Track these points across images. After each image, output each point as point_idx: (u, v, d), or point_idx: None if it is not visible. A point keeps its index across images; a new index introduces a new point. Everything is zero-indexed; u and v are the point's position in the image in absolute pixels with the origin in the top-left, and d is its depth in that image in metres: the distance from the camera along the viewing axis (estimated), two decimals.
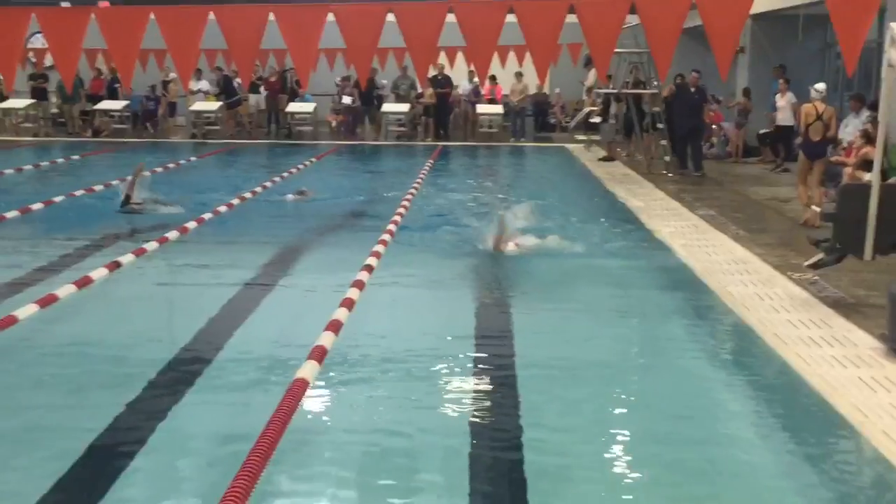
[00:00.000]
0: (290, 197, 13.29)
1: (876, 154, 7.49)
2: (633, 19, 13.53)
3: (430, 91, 23.73)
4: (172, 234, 10.14)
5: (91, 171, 17.16)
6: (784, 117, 17.16)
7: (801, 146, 12.33)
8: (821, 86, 11.91)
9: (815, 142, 11.68)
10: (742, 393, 5.90)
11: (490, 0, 11.04)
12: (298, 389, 5.35)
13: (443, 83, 23.79)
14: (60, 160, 19.00)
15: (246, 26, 11.49)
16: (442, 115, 24.22)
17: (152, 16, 11.29)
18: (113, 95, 25.07)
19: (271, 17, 11.17)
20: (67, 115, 25.23)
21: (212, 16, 11.25)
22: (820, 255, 7.75)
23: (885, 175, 10.93)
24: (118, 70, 12.08)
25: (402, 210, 12.00)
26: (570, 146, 22.13)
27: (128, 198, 11.72)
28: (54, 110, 25.76)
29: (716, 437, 5.22)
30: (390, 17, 11.12)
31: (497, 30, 11.04)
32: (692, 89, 16.58)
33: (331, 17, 11.33)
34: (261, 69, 24.24)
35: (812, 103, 11.78)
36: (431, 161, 18.90)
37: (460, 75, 24.51)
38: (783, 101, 17.10)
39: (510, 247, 9.27)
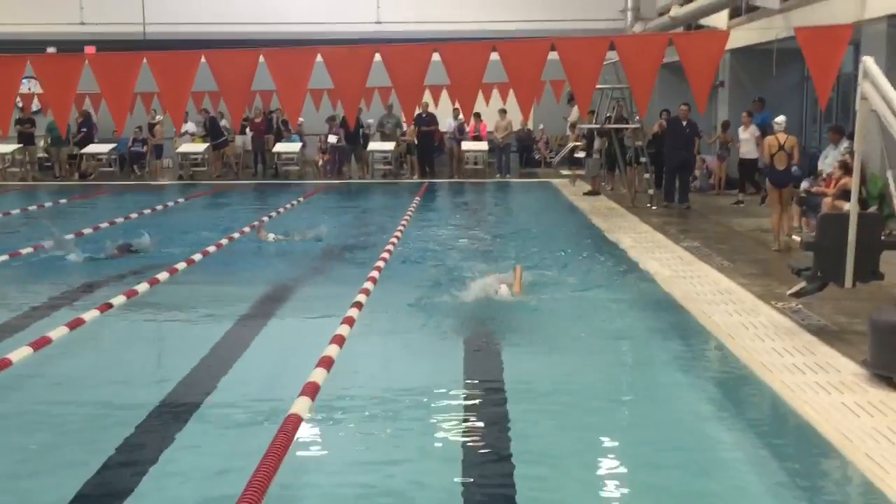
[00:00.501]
0: (270, 237, 13.21)
1: (853, 183, 7.67)
2: (613, 55, 13.79)
3: (411, 129, 24.00)
4: (162, 276, 10.20)
5: (79, 214, 17.24)
6: (747, 150, 17.04)
7: (768, 176, 12.79)
8: (781, 118, 12.39)
9: (780, 171, 12.19)
10: (730, 420, 6.01)
11: (473, 40, 11.28)
12: (291, 425, 5.40)
13: (427, 121, 24.04)
14: (49, 203, 19.06)
15: (237, 69, 11.67)
16: (427, 152, 24.44)
17: (145, 61, 11.45)
18: (88, 138, 25.28)
19: (261, 59, 11.35)
20: (55, 159, 25.33)
21: (203, 59, 11.43)
22: (802, 284, 7.90)
23: (864, 204, 11.17)
24: (111, 113, 12.18)
25: (389, 247, 12.10)
26: (554, 181, 22.37)
27: (128, 246, 11.75)
28: (41, 154, 25.86)
29: (705, 464, 5.31)
30: (377, 58, 11.32)
31: (481, 68, 11.26)
32: (683, 122, 16.83)
33: (319, 58, 11.53)
34: (247, 110, 24.46)
35: (774, 135, 12.25)
36: (418, 198, 19.07)
37: (445, 113, 24.78)
38: (746, 133, 17.07)
39: (502, 290, 9.09)
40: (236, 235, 13.44)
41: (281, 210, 17.08)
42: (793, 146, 12.22)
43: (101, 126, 25.84)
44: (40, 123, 25.05)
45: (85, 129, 25.35)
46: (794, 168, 12.49)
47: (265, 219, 14.82)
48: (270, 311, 9.41)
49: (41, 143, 25.63)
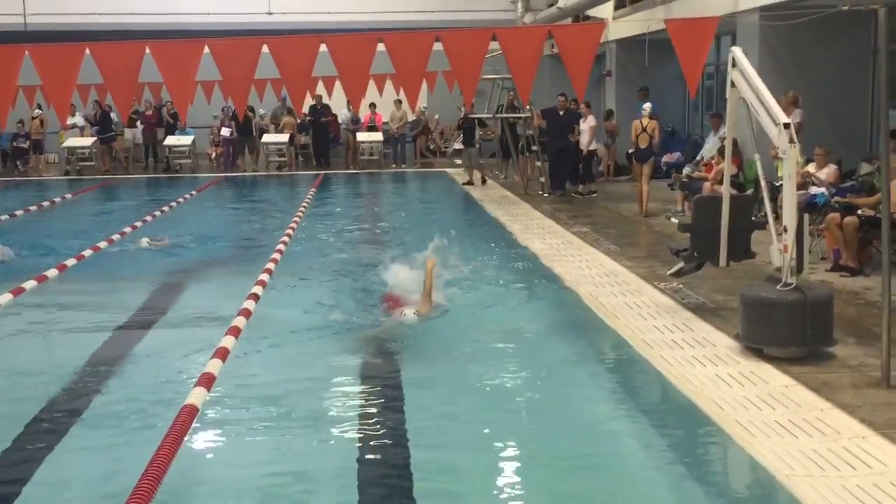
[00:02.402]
0: (144, 242, 12.34)
1: (725, 167, 8.06)
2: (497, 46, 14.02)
3: (288, 119, 23.83)
4: (51, 273, 9.91)
5: None
6: (586, 141, 16.66)
7: (634, 153, 14.98)
8: (647, 105, 14.67)
9: (643, 149, 14.49)
10: (614, 394, 6.34)
11: (367, 31, 11.26)
12: (188, 415, 5.43)
13: (322, 112, 23.95)
14: None
15: (122, 61, 11.41)
16: (322, 143, 24.35)
17: (27, 53, 11.10)
18: None
19: (147, 51, 11.15)
20: None
21: (87, 51, 11.15)
22: (681, 265, 8.26)
23: (742, 188, 11.71)
24: None
25: (284, 240, 12.09)
26: (450, 171, 22.59)
27: None
28: None
29: (589, 434, 5.60)
30: (265, 49, 11.27)
31: (368, 59, 11.30)
32: (560, 112, 17.18)
33: (207, 49, 11.40)
34: (136, 103, 23.91)
35: (639, 119, 14.54)
36: (313, 190, 19.03)
37: (341, 104, 24.72)
38: (585, 124, 16.76)
39: (408, 314, 7.93)
40: (117, 237, 12.81)
41: (173, 205, 16.78)
42: (654, 128, 14.44)
43: None
44: None
45: None
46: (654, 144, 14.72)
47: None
48: (158, 312, 9.05)
49: None
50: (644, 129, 14.36)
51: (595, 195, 16.85)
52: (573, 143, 16.82)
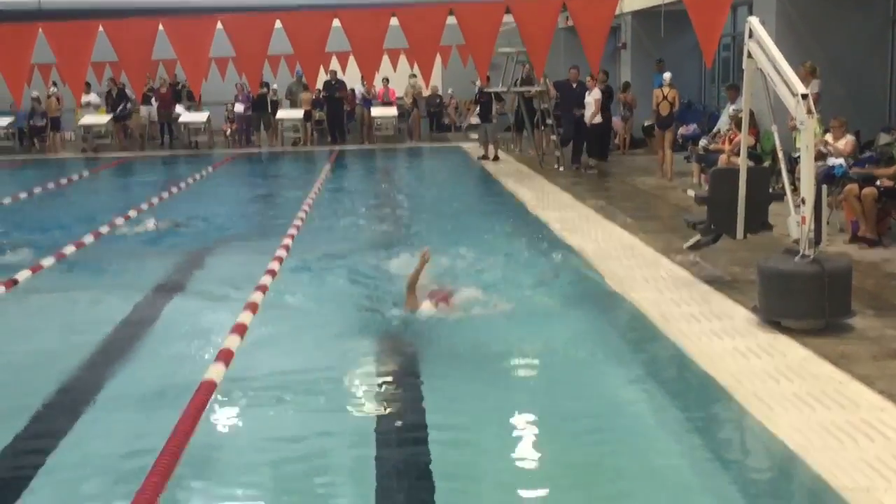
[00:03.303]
0: (151, 224, 12.18)
1: (742, 139, 7.98)
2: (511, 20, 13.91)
3: (304, 95, 23.78)
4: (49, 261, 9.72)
5: None
6: (590, 115, 16.45)
7: (655, 122, 15.69)
8: (667, 75, 15.34)
9: (664, 116, 15.18)
10: (630, 368, 6.29)
11: (374, 6, 11.25)
12: (206, 391, 5.45)
13: (336, 87, 23.88)
14: None
15: (136, 39, 11.41)
16: (337, 119, 24.30)
17: (41, 31, 11.10)
18: None
19: (160, 28, 11.13)
20: None
21: (101, 27, 11.13)
22: (697, 237, 8.21)
23: (759, 160, 11.62)
24: (8, 86, 11.69)
25: (301, 217, 12.09)
26: (464, 145, 22.51)
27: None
28: None
29: (607, 407, 5.59)
30: (278, 25, 11.22)
31: (382, 34, 11.26)
32: (573, 85, 17.04)
33: (220, 26, 11.37)
34: (151, 80, 23.89)
35: (660, 88, 15.23)
36: (329, 165, 19.01)
37: (354, 80, 24.63)
38: (590, 97, 16.52)
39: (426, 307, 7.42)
40: (133, 213, 12.78)
41: (189, 181, 16.80)
42: (674, 97, 15.15)
43: None
44: None
45: None
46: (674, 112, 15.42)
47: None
48: (177, 286, 9.06)
49: None
50: (665, 98, 15.07)
51: (594, 171, 16.62)
52: (579, 117, 16.69)
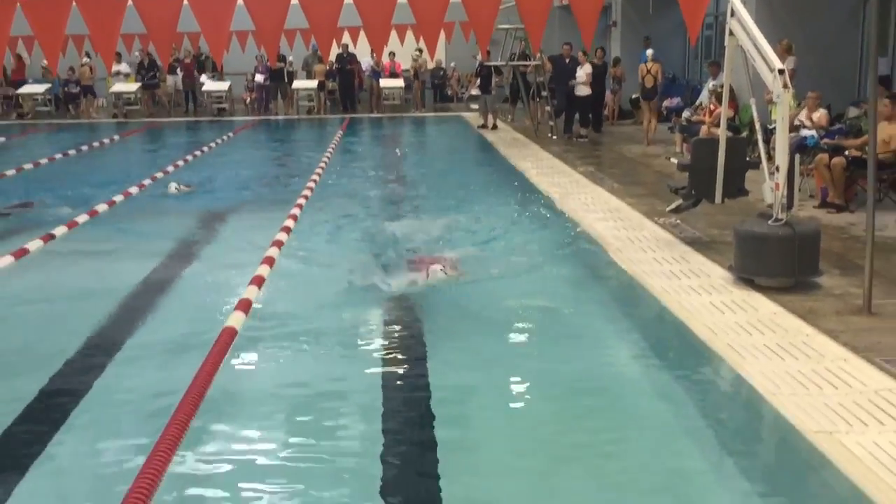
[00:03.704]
0: (172, 187, 11.76)
1: (722, 111, 7.92)
2: None
3: (319, 66, 23.54)
4: (82, 219, 9.62)
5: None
6: (580, 88, 16.49)
7: (641, 94, 16.23)
8: (649, 52, 16.11)
9: (648, 88, 15.88)
10: (614, 321, 6.33)
11: None
12: (227, 337, 5.47)
13: (347, 60, 23.70)
14: None
15: (162, 12, 11.33)
16: (348, 89, 24.13)
17: (74, 4, 11.02)
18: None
19: (185, 3, 11.06)
20: None
21: (130, 2, 11.08)
22: (679, 201, 8.18)
23: (737, 131, 11.54)
24: (45, 56, 11.60)
25: (314, 178, 12.06)
26: (465, 115, 22.38)
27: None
28: None
29: (592, 356, 5.63)
30: (294, 1, 11.14)
31: (390, 10, 11.16)
32: (566, 60, 16.88)
33: (240, 2, 11.29)
34: (177, 52, 23.70)
35: (644, 64, 15.94)
36: (341, 132, 18.94)
37: (364, 53, 24.42)
38: (581, 71, 16.50)
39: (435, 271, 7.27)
40: (160, 175, 12.74)
41: (212, 145, 16.75)
42: (657, 70, 15.86)
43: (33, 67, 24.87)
44: None
45: None
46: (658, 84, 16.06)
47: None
48: (193, 249, 8.90)
49: None
50: (649, 72, 15.80)
51: (585, 140, 16.51)
52: (571, 89, 16.57)
